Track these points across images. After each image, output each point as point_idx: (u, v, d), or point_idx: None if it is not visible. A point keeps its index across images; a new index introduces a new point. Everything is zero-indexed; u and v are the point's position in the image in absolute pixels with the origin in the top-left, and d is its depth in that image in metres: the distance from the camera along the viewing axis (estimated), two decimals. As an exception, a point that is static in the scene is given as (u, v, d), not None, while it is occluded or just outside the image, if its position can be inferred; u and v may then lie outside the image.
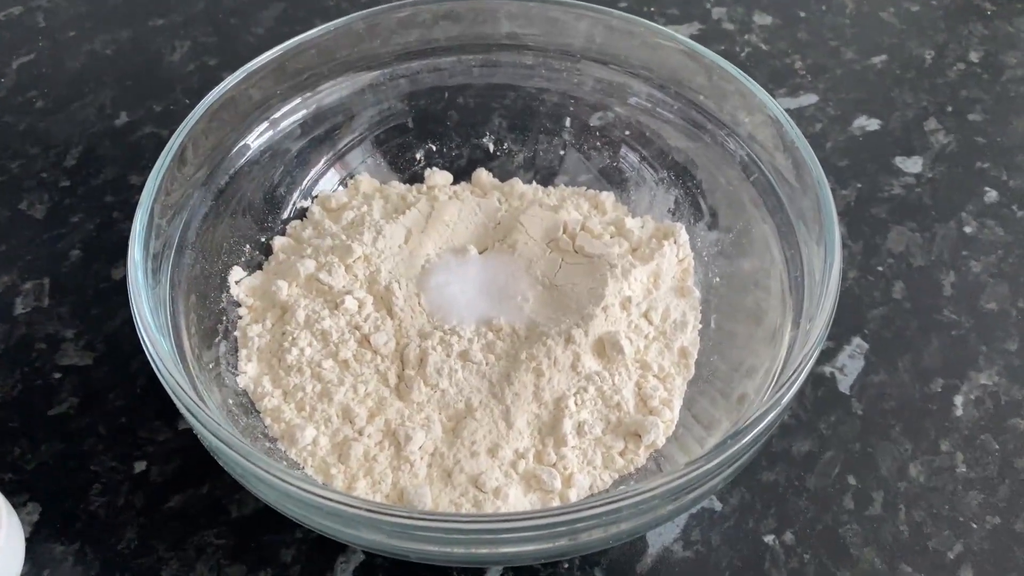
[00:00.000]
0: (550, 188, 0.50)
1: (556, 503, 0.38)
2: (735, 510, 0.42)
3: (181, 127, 0.41)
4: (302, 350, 0.41)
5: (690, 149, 0.47)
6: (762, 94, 0.43)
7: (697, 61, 0.45)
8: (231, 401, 0.39)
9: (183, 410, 0.33)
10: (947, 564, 0.40)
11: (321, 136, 0.48)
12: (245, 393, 0.41)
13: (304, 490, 0.30)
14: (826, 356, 0.47)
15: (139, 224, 0.38)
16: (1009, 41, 0.63)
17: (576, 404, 0.41)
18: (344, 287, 0.43)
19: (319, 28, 0.45)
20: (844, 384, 0.46)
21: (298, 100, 0.46)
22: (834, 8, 0.65)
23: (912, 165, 0.56)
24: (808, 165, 0.41)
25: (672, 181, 0.48)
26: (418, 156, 0.51)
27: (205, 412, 0.32)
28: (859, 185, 0.54)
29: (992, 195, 0.54)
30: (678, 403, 0.42)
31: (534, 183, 0.51)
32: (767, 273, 0.44)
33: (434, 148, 0.51)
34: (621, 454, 0.40)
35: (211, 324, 0.42)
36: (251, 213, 0.46)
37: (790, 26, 0.64)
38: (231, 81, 0.43)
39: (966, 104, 0.59)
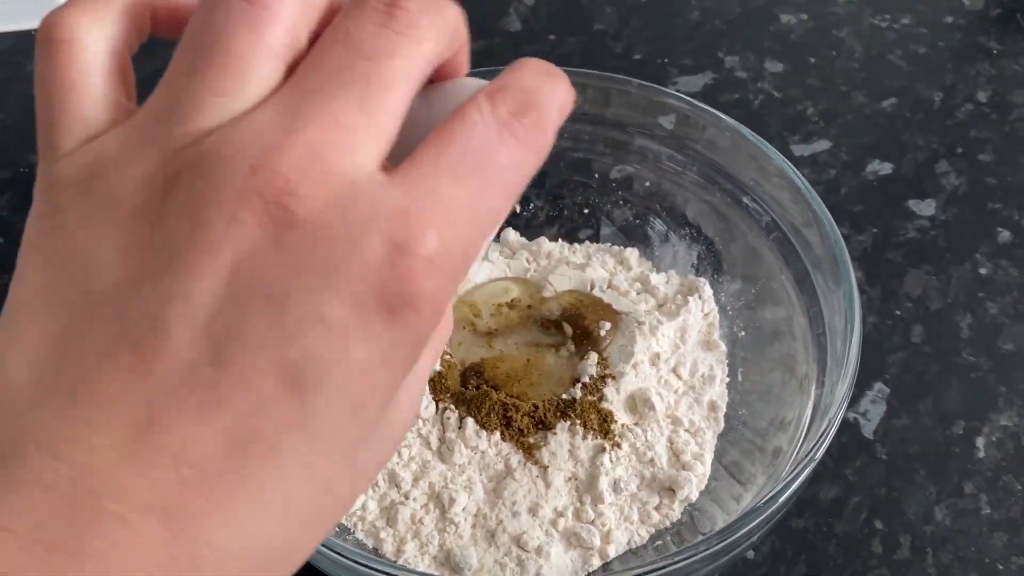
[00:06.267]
0: (576, 245, 0.52)
1: (596, 560, 0.40)
2: (767, 558, 0.43)
3: None
4: (348, 417, 0.43)
5: (709, 205, 0.49)
6: (770, 150, 0.45)
7: (706, 119, 0.47)
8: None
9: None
10: (975, 606, 0.42)
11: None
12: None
13: (360, 563, 0.32)
14: (849, 402, 0.48)
15: None
16: (1016, 80, 0.64)
17: (611, 461, 0.42)
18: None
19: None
20: (868, 429, 0.48)
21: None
22: (844, 53, 0.67)
23: (925, 208, 0.57)
24: (823, 220, 0.43)
25: (694, 237, 0.50)
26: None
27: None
28: (874, 230, 0.56)
29: (1005, 235, 0.56)
30: (709, 456, 0.44)
31: (560, 240, 0.52)
32: (789, 323, 0.46)
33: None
34: (656, 509, 0.42)
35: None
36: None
37: (801, 72, 0.65)
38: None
39: (975, 145, 0.61)
